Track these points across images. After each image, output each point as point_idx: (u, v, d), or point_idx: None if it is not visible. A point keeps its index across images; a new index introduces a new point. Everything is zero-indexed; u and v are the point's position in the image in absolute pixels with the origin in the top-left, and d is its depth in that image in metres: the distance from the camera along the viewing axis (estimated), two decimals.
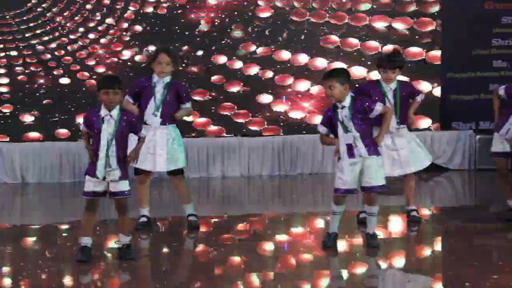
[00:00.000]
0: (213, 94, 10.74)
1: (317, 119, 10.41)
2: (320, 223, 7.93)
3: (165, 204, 8.96)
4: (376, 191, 6.54)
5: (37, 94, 10.52)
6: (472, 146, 11.07)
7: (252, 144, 10.83)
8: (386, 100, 7.29)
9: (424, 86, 10.99)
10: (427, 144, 10.98)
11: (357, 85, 8.04)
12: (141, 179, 7.43)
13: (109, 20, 10.65)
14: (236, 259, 6.51)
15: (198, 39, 10.78)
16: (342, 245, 6.69)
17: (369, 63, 10.92)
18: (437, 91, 11.13)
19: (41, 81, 10.52)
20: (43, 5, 10.51)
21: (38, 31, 10.54)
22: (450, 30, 11.16)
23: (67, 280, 5.87)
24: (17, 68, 10.50)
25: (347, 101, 6.45)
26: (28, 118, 10.49)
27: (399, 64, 7.43)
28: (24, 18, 10.50)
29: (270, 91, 10.93)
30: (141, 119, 7.11)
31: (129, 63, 10.64)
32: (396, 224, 7.80)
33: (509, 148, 7.56)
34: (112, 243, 6.75)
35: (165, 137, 7.29)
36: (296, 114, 10.98)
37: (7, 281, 5.84)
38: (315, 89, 10.90)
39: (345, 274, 6.13)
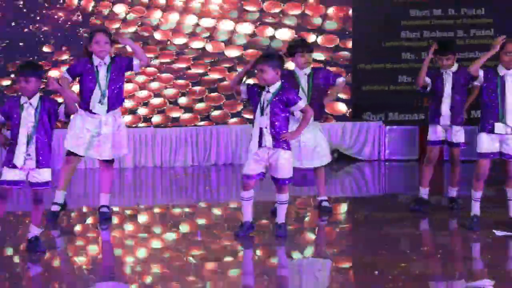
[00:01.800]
0: None
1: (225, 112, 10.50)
2: (233, 213, 7.96)
3: (79, 194, 8.85)
4: (283, 184, 6.58)
5: None
6: (382, 137, 11.29)
7: (165, 134, 10.80)
8: (300, 88, 7.34)
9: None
10: (338, 135, 11.18)
11: None
12: (71, 160, 7.33)
13: None
14: (146, 249, 6.49)
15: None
16: (254, 235, 6.73)
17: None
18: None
19: None
20: None
21: None
22: (361, 22, 11.34)
23: None
24: None
25: (274, 87, 6.46)
26: None
27: (312, 47, 7.54)
28: None
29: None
30: (86, 105, 7.08)
31: None
32: (307, 214, 7.90)
33: (444, 136, 7.65)
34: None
35: (111, 125, 7.21)
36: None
37: None
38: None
39: (255, 264, 6.17)
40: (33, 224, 6.22)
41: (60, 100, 6.39)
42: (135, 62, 7.27)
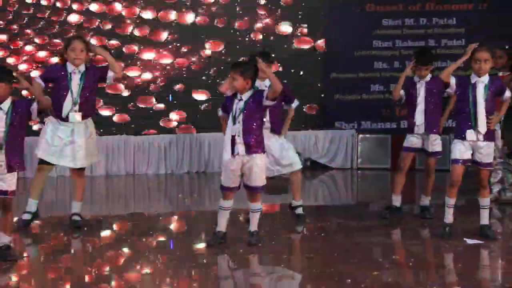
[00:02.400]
0: None
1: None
2: (206, 221, 7.93)
3: (52, 202, 8.78)
4: (256, 191, 6.58)
5: None
6: (355, 146, 11.34)
7: (138, 142, 10.76)
8: None
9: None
10: (311, 143, 11.22)
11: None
12: (43, 169, 7.28)
13: None
14: (118, 258, 6.46)
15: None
16: (228, 244, 6.71)
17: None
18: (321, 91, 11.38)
19: None
20: None
21: None
22: (333, 31, 11.39)
23: None
24: None
25: (246, 95, 6.46)
26: None
27: (273, 59, 7.57)
28: None
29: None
30: (58, 112, 7.06)
31: None
32: (280, 222, 7.89)
33: (420, 144, 7.69)
34: None
35: (83, 133, 7.18)
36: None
37: None
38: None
39: (227, 272, 6.17)
40: (2, 231, 6.16)
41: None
42: (110, 74, 7.26)
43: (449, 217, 6.86)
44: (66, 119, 7.12)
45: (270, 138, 7.36)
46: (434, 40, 11.52)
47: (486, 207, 6.87)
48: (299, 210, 7.67)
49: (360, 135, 11.36)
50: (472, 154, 6.77)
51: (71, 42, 7.18)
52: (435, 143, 7.64)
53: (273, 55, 7.91)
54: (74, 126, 7.16)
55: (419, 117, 7.57)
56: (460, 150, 6.75)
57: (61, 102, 7.11)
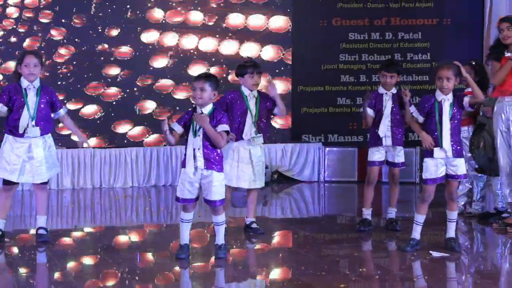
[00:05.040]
0: None
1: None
2: (173, 235, 7.91)
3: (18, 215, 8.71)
4: (216, 206, 6.55)
5: None
6: (322, 159, 11.39)
7: (105, 155, 10.72)
8: (248, 109, 7.41)
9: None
10: (278, 156, 11.25)
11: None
12: (7, 188, 7.25)
13: None
14: (84, 271, 6.42)
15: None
16: (194, 257, 6.70)
17: (224, 66, 11.11)
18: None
19: None
20: None
21: None
22: (300, 44, 11.45)
23: None
24: None
25: (207, 109, 6.45)
26: None
27: (261, 69, 7.58)
28: None
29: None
30: (15, 129, 7.03)
31: None
32: (246, 235, 7.88)
33: (384, 156, 7.74)
34: None
35: (42, 147, 7.13)
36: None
37: None
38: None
39: (195, 286, 6.16)
40: None
41: None
42: (60, 110, 7.26)
43: (416, 233, 6.89)
44: (22, 135, 7.07)
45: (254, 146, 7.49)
46: (400, 54, 11.65)
47: (453, 220, 6.92)
48: (254, 224, 7.71)
49: (327, 148, 11.42)
50: (446, 169, 6.80)
51: (25, 57, 7.14)
52: (400, 154, 7.72)
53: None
54: (31, 141, 7.10)
55: (384, 129, 7.63)
56: (433, 168, 6.76)
57: (18, 118, 7.07)
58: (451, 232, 6.94)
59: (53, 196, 9.99)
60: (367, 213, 7.82)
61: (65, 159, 10.52)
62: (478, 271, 6.52)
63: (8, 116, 7.13)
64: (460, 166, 6.80)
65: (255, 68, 7.48)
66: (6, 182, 7.21)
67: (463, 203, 8.46)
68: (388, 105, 7.64)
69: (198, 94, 6.42)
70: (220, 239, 6.66)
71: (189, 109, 6.62)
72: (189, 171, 6.44)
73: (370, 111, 7.70)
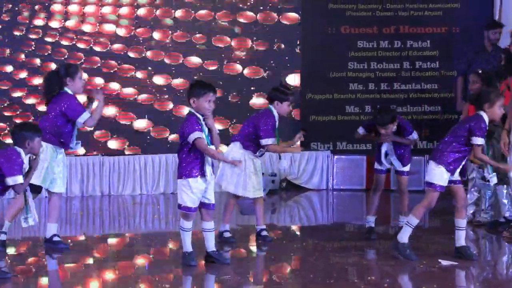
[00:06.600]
0: None
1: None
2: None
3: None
4: (214, 209, 6.64)
5: None
6: (330, 167, 11.39)
7: (114, 162, 10.75)
8: (276, 130, 7.53)
9: None
10: (287, 164, 11.23)
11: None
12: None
13: None
14: (94, 279, 6.43)
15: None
16: (203, 264, 6.71)
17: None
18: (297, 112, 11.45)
19: None
20: None
21: None
22: (308, 52, 11.47)
23: None
24: None
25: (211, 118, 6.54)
26: None
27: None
28: None
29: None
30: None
31: None
32: (254, 243, 7.88)
33: (389, 164, 7.74)
34: None
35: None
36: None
37: None
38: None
39: None
40: None
41: None
42: (80, 120, 7.27)
43: (405, 238, 6.87)
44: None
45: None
46: (409, 62, 11.64)
47: (462, 228, 6.89)
48: (265, 232, 7.69)
49: (336, 156, 11.42)
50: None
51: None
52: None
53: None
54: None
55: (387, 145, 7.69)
56: (445, 177, 6.74)
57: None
58: (460, 240, 6.90)
59: (62, 203, 9.99)
60: (371, 220, 7.81)
61: (74, 167, 10.55)
62: (487, 280, 6.51)
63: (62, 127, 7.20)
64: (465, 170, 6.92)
65: (293, 96, 7.67)
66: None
67: (472, 211, 8.44)
68: (387, 145, 7.68)
69: (211, 106, 6.49)
70: (211, 245, 6.67)
71: (192, 117, 6.56)
72: (207, 179, 6.50)
73: (362, 130, 7.75)
